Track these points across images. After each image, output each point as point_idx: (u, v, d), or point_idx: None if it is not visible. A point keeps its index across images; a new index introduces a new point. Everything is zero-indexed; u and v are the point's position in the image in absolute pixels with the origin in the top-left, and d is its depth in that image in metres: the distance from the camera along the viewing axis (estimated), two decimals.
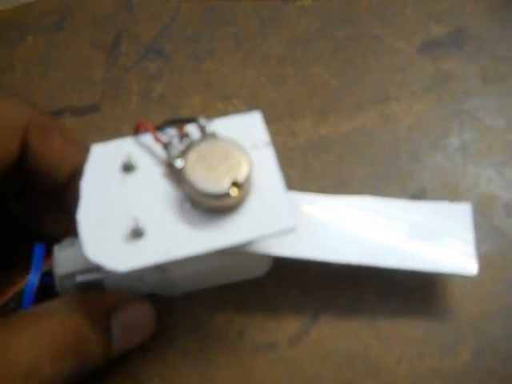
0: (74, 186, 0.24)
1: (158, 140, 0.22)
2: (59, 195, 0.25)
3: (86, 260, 0.24)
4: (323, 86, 0.33)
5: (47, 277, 0.25)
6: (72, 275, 0.24)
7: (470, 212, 0.26)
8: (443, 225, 0.26)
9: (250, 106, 0.33)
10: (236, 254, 0.24)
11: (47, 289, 0.25)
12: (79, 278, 0.24)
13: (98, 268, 0.24)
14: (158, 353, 0.27)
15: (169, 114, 0.34)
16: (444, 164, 0.30)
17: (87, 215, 0.21)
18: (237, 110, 0.33)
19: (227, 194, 0.20)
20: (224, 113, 0.33)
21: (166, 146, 0.22)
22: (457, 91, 0.32)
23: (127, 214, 0.21)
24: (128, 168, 0.22)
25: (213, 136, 0.22)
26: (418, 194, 0.30)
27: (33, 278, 0.24)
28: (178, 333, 0.28)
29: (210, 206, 0.21)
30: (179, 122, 0.23)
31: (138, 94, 0.35)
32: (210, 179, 0.21)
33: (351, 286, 0.28)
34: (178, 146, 0.22)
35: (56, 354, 0.21)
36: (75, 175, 0.24)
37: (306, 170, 0.31)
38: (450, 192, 0.30)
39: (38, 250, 0.24)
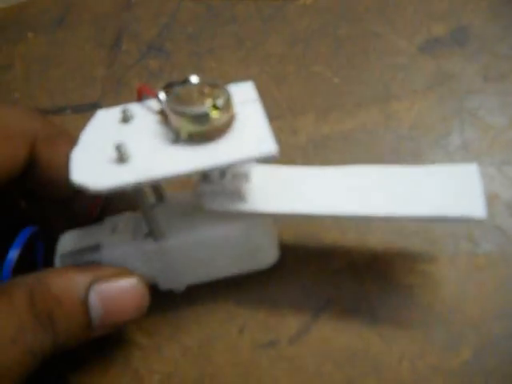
0: (81, 197, 0.24)
1: (152, 94, 0.24)
2: (70, 203, 0.26)
3: (85, 240, 0.25)
4: (325, 85, 0.33)
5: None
6: (71, 254, 0.25)
7: (477, 169, 0.25)
8: (451, 180, 0.25)
9: None
10: (234, 221, 0.25)
11: None
12: (78, 258, 0.24)
13: (96, 247, 0.25)
14: (158, 350, 0.27)
15: None
16: (445, 162, 0.30)
17: (80, 152, 0.22)
18: None
19: (207, 115, 0.21)
20: None
21: (159, 98, 0.23)
22: (458, 90, 0.32)
23: (115, 143, 0.22)
24: (126, 120, 0.24)
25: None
26: None
27: (12, 253, 0.24)
28: (178, 330, 0.28)
29: (194, 132, 0.22)
30: (176, 84, 0.24)
31: None
32: (192, 104, 0.22)
33: (353, 284, 0.28)
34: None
35: (37, 322, 0.21)
36: None
37: None
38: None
39: (26, 230, 0.25)
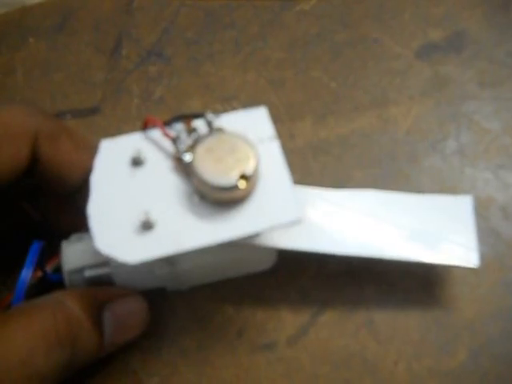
0: (87, 189, 0.24)
1: (166, 135, 0.23)
2: (73, 198, 0.26)
3: (94, 255, 0.24)
4: (322, 89, 0.34)
5: (56, 274, 0.25)
6: (80, 270, 0.25)
7: (471, 204, 0.26)
8: (445, 217, 0.26)
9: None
10: (243, 246, 0.24)
11: (56, 285, 0.25)
12: (88, 273, 0.25)
13: (106, 262, 0.25)
14: (158, 352, 0.28)
15: (169, 116, 0.34)
16: (441, 166, 0.31)
17: (97, 209, 0.22)
18: None
19: (235, 187, 0.21)
20: None
21: (175, 140, 0.22)
22: (454, 95, 0.33)
23: (137, 206, 0.21)
24: (137, 162, 0.23)
25: (220, 130, 0.22)
26: None
27: (25, 274, 0.24)
28: (177, 332, 0.28)
29: (219, 199, 0.21)
30: (187, 118, 0.23)
31: (139, 97, 0.35)
32: (219, 172, 0.21)
33: (350, 287, 0.28)
34: (186, 141, 0.22)
35: (48, 345, 0.21)
36: (87, 179, 0.25)
37: (305, 173, 0.31)
38: (447, 194, 0.30)
39: (35, 247, 0.24)
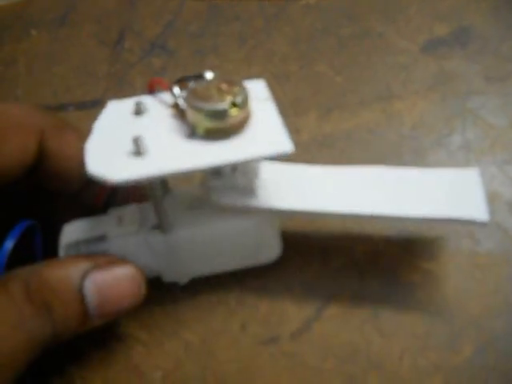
0: (93, 185, 0.24)
1: (166, 87, 0.24)
2: (80, 198, 0.26)
3: (91, 231, 0.25)
4: (327, 84, 0.34)
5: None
6: (76, 244, 0.25)
7: (478, 175, 0.26)
8: (454, 184, 0.26)
9: None
10: (242, 216, 0.25)
11: None
12: (83, 249, 0.25)
13: (103, 237, 0.25)
14: (160, 346, 0.27)
15: None
16: (447, 162, 0.31)
17: (95, 144, 0.22)
18: None
19: (227, 113, 0.21)
20: None
21: (173, 92, 0.24)
22: (460, 90, 0.33)
23: (132, 134, 0.22)
24: (139, 112, 0.24)
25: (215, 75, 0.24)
26: None
27: (7, 243, 0.24)
28: (180, 326, 0.28)
29: (211, 129, 0.22)
30: (190, 79, 0.24)
31: (142, 90, 0.35)
32: (211, 100, 0.22)
33: (354, 281, 0.28)
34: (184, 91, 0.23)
35: (28, 313, 0.21)
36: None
37: None
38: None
39: (23, 223, 0.24)
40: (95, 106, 0.35)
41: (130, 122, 0.23)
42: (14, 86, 0.36)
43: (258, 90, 0.25)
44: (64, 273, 0.23)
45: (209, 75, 0.24)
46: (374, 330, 0.27)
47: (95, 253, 0.24)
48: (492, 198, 0.29)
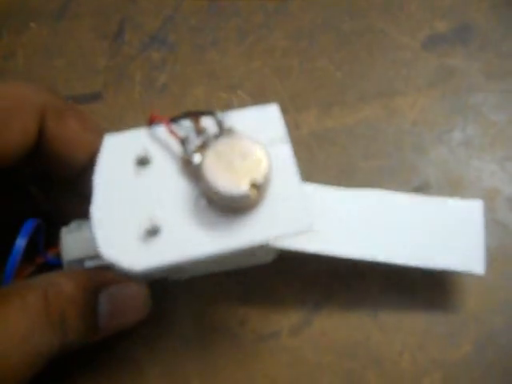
0: (90, 173, 0.24)
1: (174, 134, 0.22)
2: (78, 181, 0.25)
3: (94, 245, 0.23)
4: (328, 79, 0.34)
5: (57, 258, 0.25)
6: (80, 260, 0.24)
7: (481, 209, 0.26)
8: (453, 221, 0.26)
9: (254, 97, 0.33)
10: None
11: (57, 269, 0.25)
12: (87, 264, 0.24)
13: None
14: (160, 341, 0.27)
15: (172, 104, 0.34)
16: (448, 158, 0.31)
17: (101, 212, 0.21)
18: (241, 101, 0.33)
19: (246, 196, 0.20)
20: (228, 103, 0.33)
21: (183, 141, 0.21)
22: (461, 87, 0.33)
23: (142, 211, 0.21)
24: (142, 162, 0.22)
25: (230, 131, 0.21)
26: (422, 188, 0.30)
27: (20, 241, 0.23)
28: (179, 322, 0.28)
29: (227, 206, 0.21)
30: (195, 115, 0.22)
31: (142, 84, 0.35)
32: (229, 179, 0.20)
33: (354, 277, 0.28)
34: (194, 141, 0.21)
35: (41, 324, 0.21)
36: (92, 160, 0.24)
37: (310, 162, 0.31)
38: (453, 185, 0.30)
39: (31, 221, 0.24)
40: (94, 99, 0.35)
41: (134, 179, 0.21)
42: (13, 78, 0.36)
43: (270, 124, 0.23)
44: (82, 285, 0.23)
45: (220, 116, 0.22)
46: (374, 326, 0.27)
47: (99, 267, 0.24)
48: (492, 195, 0.29)
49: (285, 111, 0.33)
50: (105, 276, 0.24)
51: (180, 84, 0.35)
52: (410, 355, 0.26)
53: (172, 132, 0.22)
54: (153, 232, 0.20)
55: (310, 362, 0.27)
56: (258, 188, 0.20)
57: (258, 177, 0.20)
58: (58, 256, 0.25)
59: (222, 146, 0.21)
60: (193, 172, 0.21)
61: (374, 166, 0.31)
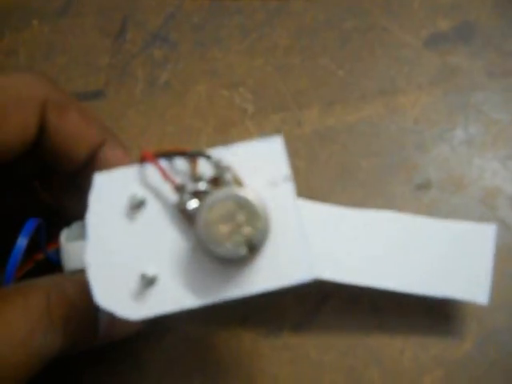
0: (92, 166, 0.24)
1: (168, 179, 0.21)
2: (78, 176, 0.25)
3: None
4: (330, 77, 0.34)
5: (54, 254, 0.25)
6: (82, 271, 0.24)
7: (494, 234, 0.25)
8: (462, 246, 0.25)
9: (256, 95, 0.33)
10: None
11: (57, 267, 0.25)
12: None
13: None
14: (161, 338, 0.27)
15: (174, 101, 0.34)
16: (449, 156, 0.31)
17: (95, 259, 0.21)
18: (243, 98, 0.33)
19: (243, 256, 0.19)
20: (230, 101, 0.33)
21: (178, 188, 0.20)
22: (463, 85, 0.33)
23: (137, 260, 0.20)
24: (135, 205, 0.21)
25: (228, 173, 0.20)
26: (423, 186, 0.30)
27: (21, 240, 0.23)
28: (180, 318, 0.28)
29: (223, 260, 0.20)
30: (191, 156, 0.21)
31: (144, 81, 0.35)
32: (224, 239, 0.19)
33: None
34: (189, 185, 0.20)
35: (43, 326, 0.21)
36: (93, 155, 0.24)
37: (311, 160, 0.31)
38: (454, 184, 0.30)
39: (31, 221, 0.24)
40: (96, 97, 0.35)
41: (127, 225, 0.21)
42: None
43: (273, 161, 0.21)
44: (86, 290, 0.22)
45: (216, 159, 0.20)
46: (375, 324, 0.27)
47: None
48: (494, 193, 0.29)
49: (286, 109, 0.33)
50: None
51: (182, 81, 0.35)
52: (411, 353, 0.26)
53: (166, 176, 0.21)
54: (148, 283, 0.20)
55: (312, 360, 0.27)
56: (255, 247, 0.19)
57: (256, 238, 0.19)
58: (58, 251, 0.25)
59: (219, 200, 0.20)
60: (188, 218, 0.20)
61: (376, 163, 0.31)
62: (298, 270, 0.20)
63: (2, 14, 0.38)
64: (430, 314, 0.27)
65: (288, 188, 0.21)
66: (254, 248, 0.19)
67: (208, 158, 0.21)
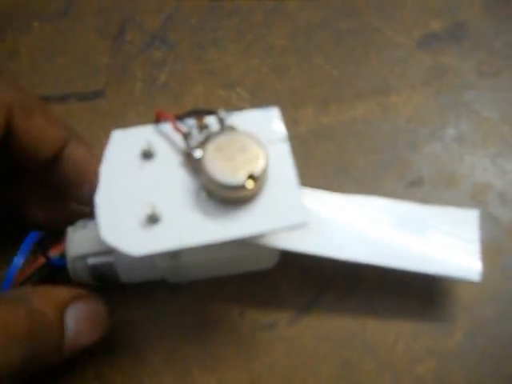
0: (56, 167, 0.25)
1: (177, 130, 0.23)
2: (44, 176, 0.26)
3: (98, 243, 0.24)
4: (325, 77, 0.34)
5: (59, 259, 0.25)
6: (84, 257, 0.25)
7: (477, 218, 0.26)
8: (450, 229, 0.26)
9: (252, 95, 0.34)
10: (245, 245, 0.24)
11: (60, 270, 0.25)
12: (91, 261, 0.25)
13: (110, 251, 0.25)
14: (161, 330, 0.28)
15: (173, 101, 0.35)
16: (441, 154, 0.31)
17: (104, 199, 0.22)
18: (240, 98, 0.34)
19: (243, 186, 0.21)
20: (227, 101, 0.34)
21: (186, 136, 0.22)
22: (454, 84, 0.33)
23: (144, 199, 0.22)
24: (147, 155, 0.23)
25: (231, 129, 0.22)
26: (416, 182, 0.31)
27: (17, 260, 0.24)
28: (180, 311, 0.28)
29: (226, 197, 0.21)
30: (199, 114, 0.23)
31: (143, 81, 0.36)
32: (227, 171, 0.21)
33: (350, 268, 0.28)
34: (197, 137, 0.22)
35: (6, 339, 0.20)
36: (59, 153, 0.25)
37: (307, 158, 0.32)
38: (446, 180, 0.31)
39: (32, 235, 0.25)
40: (96, 97, 0.35)
41: (139, 171, 0.23)
42: (16, 77, 0.37)
43: (271, 126, 0.24)
44: (51, 301, 0.23)
45: (222, 115, 0.22)
46: (370, 316, 0.28)
47: (102, 266, 0.25)
48: (484, 189, 0.30)
49: (282, 108, 0.33)
50: (70, 293, 0.24)
51: (180, 82, 0.35)
52: (404, 344, 0.27)
53: (176, 128, 0.23)
54: (153, 219, 0.21)
55: (308, 351, 0.27)
56: (256, 180, 0.21)
57: (256, 169, 0.21)
58: (61, 255, 0.26)
59: (222, 140, 0.22)
60: (194, 166, 0.22)
61: (370, 161, 0.31)
62: (293, 213, 0.22)
63: (3, 16, 0.39)
64: (423, 307, 0.28)
65: (285, 146, 0.23)
66: (255, 180, 0.21)
67: (214, 113, 0.23)
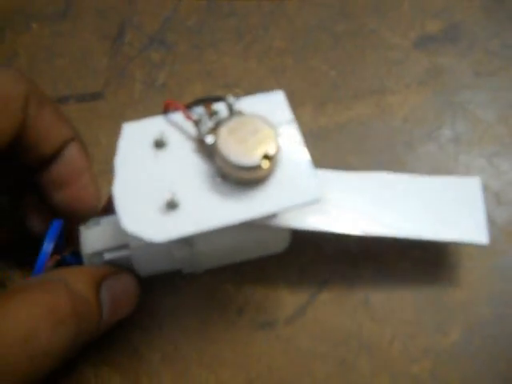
0: (50, 166, 0.25)
1: (188, 117, 0.23)
2: (38, 174, 0.26)
3: (113, 238, 0.25)
4: (322, 78, 0.35)
5: (73, 256, 0.26)
6: (100, 253, 0.25)
7: (479, 185, 0.27)
8: (455, 197, 0.27)
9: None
10: (259, 229, 0.25)
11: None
12: (107, 256, 0.25)
13: (125, 245, 0.25)
14: (159, 329, 0.28)
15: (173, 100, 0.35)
16: (437, 154, 0.32)
17: (122, 190, 0.22)
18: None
19: (259, 166, 0.21)
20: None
21: (196, 123, 0.23)
22: (450, 85, 0.34)
23: (161, 187, 0.22)
24: (159, 144, 0.23)
25: (240, 113, 0.23)
26: None
27: (46, 247, 0.24)
28: (178, 310, 0.29)
29: (241, 178, 0.22)
30: (208, 101, 0.24)
31: (142, 83, 0.36)
32: (242, 152, 0.22)
33: (347, 267, 0.29)
34: (207, 123, 0.23)
35: (55, 321, 0.21)
36: (59, 151, 0.25)
37: None
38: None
39: (56, 224, 0.25)
40: (95, 98, 0.36)
41: (153, 160, 0.23)
42: None
43: (277, 108, 0.24)
44: (89, 281, 0.23)
45: (230, 100, 0.23)
46: (366, 315, 0.28)
47: (118, 260, 0.25)
48: None
49: None
50: (100, 271, 0.24)
51: (179, 83, 0.36)
52: (400, 343, 0.27)
53: (187, 116, 0.23)
54: (172, 205, 0.22)
55: (305, 350, 0.28)
56: (270, 159, 0.22)
57: (270, 148, 0.22)
58: (73, 254, 0.26)
59: (233, 124, 0.22)
60: (207, 151, 0.23)
61: (366, 161, 0.32)
62: (307, 190, 0.22)
63: (2, 17, 0.39)
64: (419, 306, 0.28)
65: (293, 128, 0.24)
66: (270, 159, 0.21)
67: (222, 99, 0.23)
